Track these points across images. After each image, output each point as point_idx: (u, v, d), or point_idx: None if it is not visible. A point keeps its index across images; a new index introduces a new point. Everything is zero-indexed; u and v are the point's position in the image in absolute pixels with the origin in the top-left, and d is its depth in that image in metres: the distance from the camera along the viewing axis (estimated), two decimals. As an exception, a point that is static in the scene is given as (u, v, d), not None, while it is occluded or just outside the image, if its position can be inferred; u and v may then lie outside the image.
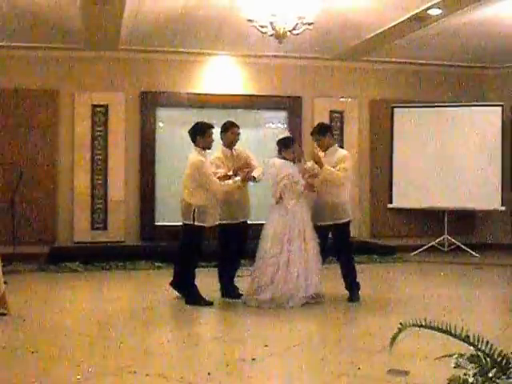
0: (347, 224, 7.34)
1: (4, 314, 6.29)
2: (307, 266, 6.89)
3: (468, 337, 2.40)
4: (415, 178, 11.55)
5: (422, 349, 5.05)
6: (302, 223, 6.98)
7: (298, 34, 8.20)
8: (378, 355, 5.00)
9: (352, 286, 7.26)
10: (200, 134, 7.04)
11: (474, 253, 11.11)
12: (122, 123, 10.74)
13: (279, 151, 7.14)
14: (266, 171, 7.16)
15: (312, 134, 7.53)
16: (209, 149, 7.14)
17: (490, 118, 11.43)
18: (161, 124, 11.06)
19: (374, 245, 11.31)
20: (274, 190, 7.06)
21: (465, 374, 2.34)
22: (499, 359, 2.35)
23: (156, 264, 9.76)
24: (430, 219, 11.76)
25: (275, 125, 11.58)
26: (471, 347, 2.42)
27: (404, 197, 11.65)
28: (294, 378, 4.52)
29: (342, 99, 11.69)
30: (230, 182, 7.01)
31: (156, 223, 10.85)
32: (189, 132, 7.13)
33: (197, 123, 7.17)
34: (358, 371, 4.53)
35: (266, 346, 5.24)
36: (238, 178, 7.03)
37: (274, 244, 6.89)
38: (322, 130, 7.42)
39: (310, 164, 7.28)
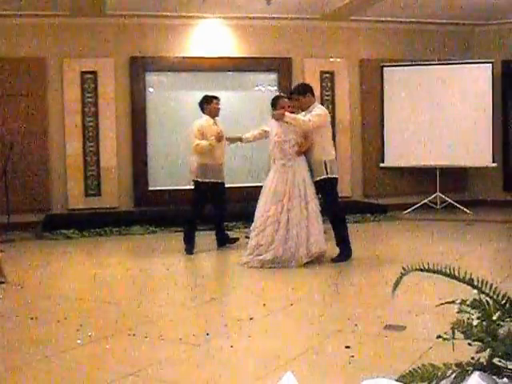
0: (327, 181, 7.24)
1: (1, 282, 6.32)
2: (308, 225, 6.94)
3: (472, 280, 2.43)
4: (406, 136, 11.56)
5: (418, 304, 5.13)
6: (302, 182, 7.00)
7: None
8: (374, 311, 5.07)
9: (340, 245, 7.29)
10: (206, 102, 8.11)
11: (466, 209, 11.18)
12: (112, 89, 10.68)
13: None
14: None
15: (292, 93, 7.50)
16: (215, 116, 8.13)
17: (480, 75, 11.41)
18: (151, 89, 11.00)
19: (366, 204, 11.36)
20: (270, 149, 7.16)
21: (469, 319, 2.38)
22: (503, 302, 2.39)
23: (151, 228, 9.81)
24: (422, 177, 11.81)
25: (265, 87, 11.53)
26: (472, 295, 2.46)
27: (396, 155, 11.68)
28: (291, 336, 4.58)
29: (331, 59, 11.63)
30: (204, 142, 7.88)
31: (149, 188, 10.85)
32: (198, 104, 8.19)
33: (204, 95, 8.24)
34: (355, 327, 4.59)
35: (264, 305, 5.31)
36: (212, 138, 7.86)
37: (273, 203, 6.92)
38: (301, 90, 7.39)
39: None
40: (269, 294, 5.92)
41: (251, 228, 7.16)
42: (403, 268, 2.61)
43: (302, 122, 7.05)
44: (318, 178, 7.17)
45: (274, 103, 7.22)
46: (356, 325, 4.65)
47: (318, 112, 7.20)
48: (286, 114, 7.02)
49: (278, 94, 7.61)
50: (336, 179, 7.35)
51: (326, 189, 7.25)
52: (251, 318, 4.88)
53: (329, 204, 7.26)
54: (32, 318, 5.06)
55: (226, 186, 8.34)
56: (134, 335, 4.53)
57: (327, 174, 7.20)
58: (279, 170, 7.02)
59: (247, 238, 8.03)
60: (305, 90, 7.41)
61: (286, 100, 7.25)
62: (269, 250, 6.90)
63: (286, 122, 7.02)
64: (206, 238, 8.67)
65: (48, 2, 9.65)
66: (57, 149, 10.48)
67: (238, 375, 3.77)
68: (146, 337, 4.48)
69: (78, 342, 4.39)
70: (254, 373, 3.78)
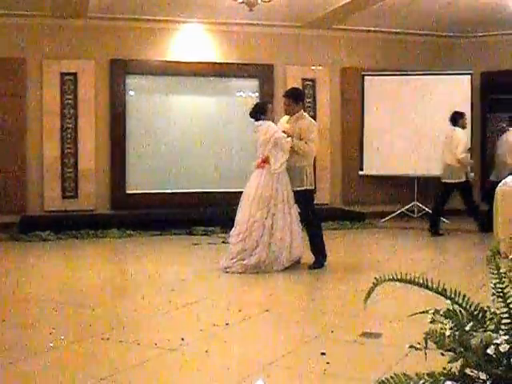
0: (307, 192, 7.25)
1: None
2: (291, 230, 6.98)
3: (445, 290, 2.45)
4: (386, 145, 11.62)
5: (394, 312, 5.15)
6: (286, 187, 7.03)
7: (268, 1, 8.18)
8: (350, 319, 5.09)
9: (316, 252, 7.29)
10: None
11: (443, 219, 11.22)
12: (92, 91, 10.62)
13: (258, 119, 7.16)
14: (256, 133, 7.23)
15: (286, 95, 7.45)
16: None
17: (459, 86, 11.50)
18: (131, 92, 10.96)
19: (344, 211, 11.39)
20: (262, 149, 7.09)
21: (441, 329, 2.39)
22: (476, 312, 2.40)
23: (127, 232, 9.74)
24: (400, 186, 11.87)
25: (247, 93, 11.54)
26: (446, 305, 2.47)
27: (375, 164, 11.73)
28: (267, 342, 4.59)
29: (313, 67, 11.67)
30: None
31: (127, 191, 10.80)
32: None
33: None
34: (331, 334, 4.60)
35: (240, 310, 5.30)
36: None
37: (259, 208, 6.92)
38: (297, 97, 7.40)
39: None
40: (245, 299, 5.92)
41: (231, 233, 7.15)
42: (375, 278, 2.62)
43: (303, 147, 7.11)
44: (298, 189, 7.16)
45: (265, 109, 7.19)
46: (332, 331, 4.66)
47: (314, 130, 7.27)
48: (295, 140, 7.08)
49: (261, 100, 7.56)
50: (313, 190, 7.43)
51: (305, 199, 7.25)
52: (227, 324, 4.87)
53: (306, 214, 7.27)
54: (4, 321, 5.01)
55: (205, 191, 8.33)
56: (108, 339, 4.50)
57: (307, 185, 7.22)
58: (264, 175, 7.01)
59: (224, 243, 8.05)
60: (299, 97, 7.45)
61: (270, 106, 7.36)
62: (253, 255, 6.91)
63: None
64: (183, 242, 8.68)
65: (29, 2, 9.58)
66: (34, 150, 10.39)
67: (213, 381, 3.76)
68: (121, 341, 4.46)
69: (51, 345, 4.35)
70: (228, 378, 3.77)
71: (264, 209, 6.93)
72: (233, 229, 7.13)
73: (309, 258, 7.27)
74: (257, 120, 7.16)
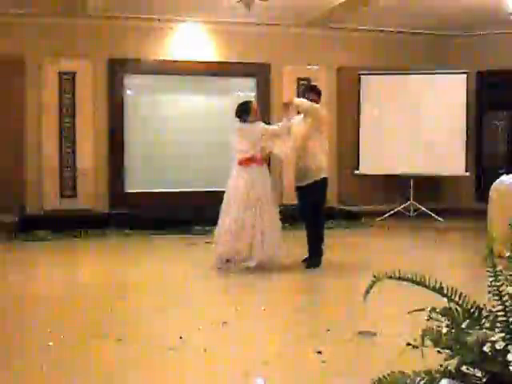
0: (325, 180, 7.32)
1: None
2: (278, 228, 7.06)
3: (442, 288, 2.48)
4: (381, 144, 11.64)
5: (390, 310, 5.18)
6: (269, 186, 7.10)
7: (265, 0, 8.20)
8: (346, 317, 5.13)
9: (311, 252, 7.33)
10: None
11: (438, 218, 11.28)
12: (90, 90, 10.62)
13: (243, 119, 7.20)
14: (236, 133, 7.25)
15: (310, 90, 7.61)
16: None
17: (455, 85, 11.53)
18: (129, 91, 10.97)
19: (340, 210, 11.40)
20: (250, 148, 7.09)
21: (438, 326, 2.42)
22: (472, 310, 2.44)
23: (126, 231, 9.76)
24: (395, 185, 11.89)
25: (244, 92, 11.55)
26: (441, 304, 2.51)
27: (370, 163, 11.74)
28: (264, 341, 4.61)
29: (309, 67, 11.69)
30: None
31: (126, 191, 10.80)
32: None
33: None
34: (327, 333, 4.63)
35: (237, 309, 5.34)
36: None
37: (248, 208, 6.94)
38: (319, 92, 7.53)
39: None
40: (242, 298, 5.95)
41: (217, 232, 7.13)
42: (374, 275, 2.65)
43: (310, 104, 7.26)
44: (315, 179, 7.18)
45: (248, 109, 7.22)
46: (328, 330, 4.69)
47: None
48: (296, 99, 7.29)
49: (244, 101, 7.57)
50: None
51: (322, 188, 7.29)
52: (225, 322, 4.90)
53: (320, 205, 7.31)
54: (2, 320, 5.03)
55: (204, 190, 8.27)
56: (106, 338, 4.53)
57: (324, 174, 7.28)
58: (248, 175, 7.03)
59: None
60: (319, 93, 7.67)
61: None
62: (251, 256, 6.91)
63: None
64: (181, 241, 8.70)
65: (27, 2, 9.59)
66: (33, 149, 10.38)
67: (210, 379, 3.79)
68: (119, 339, 4.48)
69: (50, 344, 4.37)
70: (226, 376, 3.80)
71: (252, 209, 6.94)
72: (217, 228, 7.12)
73: (303, 256, 7.31)
74: (242, 120, 7.19)
